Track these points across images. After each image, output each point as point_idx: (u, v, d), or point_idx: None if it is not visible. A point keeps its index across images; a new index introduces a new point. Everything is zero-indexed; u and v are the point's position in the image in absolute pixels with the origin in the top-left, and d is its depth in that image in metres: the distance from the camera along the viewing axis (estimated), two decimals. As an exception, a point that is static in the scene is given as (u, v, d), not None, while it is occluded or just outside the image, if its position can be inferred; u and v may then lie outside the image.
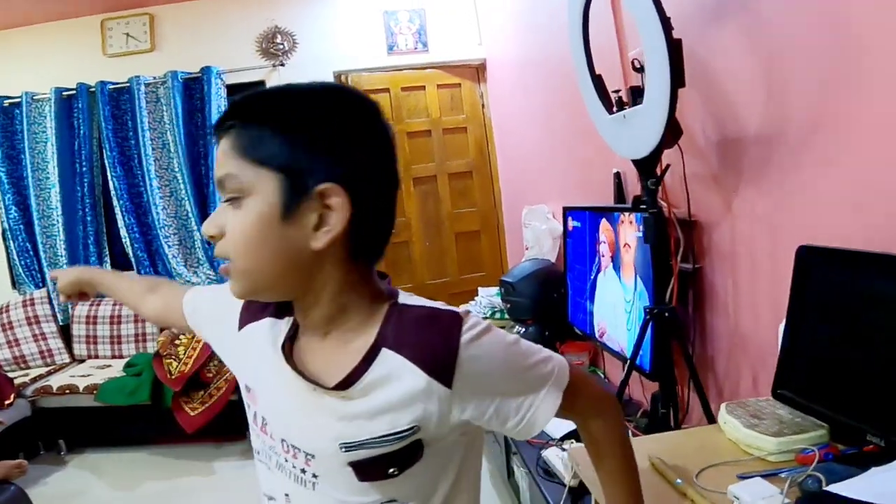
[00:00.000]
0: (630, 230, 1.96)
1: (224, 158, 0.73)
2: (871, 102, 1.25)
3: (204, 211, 4.09)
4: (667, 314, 1.70)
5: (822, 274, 1.25)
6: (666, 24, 1.33)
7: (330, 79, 4.13)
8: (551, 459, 1.91)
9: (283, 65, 4.09)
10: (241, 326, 0.89)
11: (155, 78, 4.04)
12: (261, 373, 0.85)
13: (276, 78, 4.11)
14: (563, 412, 0.83)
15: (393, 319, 0.76)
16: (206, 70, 3.99)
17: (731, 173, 1.70)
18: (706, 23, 1.68)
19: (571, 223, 2.57)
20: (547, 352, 0.83)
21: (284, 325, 0.84)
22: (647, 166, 1.59)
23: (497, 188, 4.51)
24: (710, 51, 1.68)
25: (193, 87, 4.07)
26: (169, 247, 4.08)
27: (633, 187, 2.26)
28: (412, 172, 4.31)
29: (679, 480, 1.15)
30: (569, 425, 2.05)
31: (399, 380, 0.74)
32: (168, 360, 3.29)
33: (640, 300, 1.90)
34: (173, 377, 3.17)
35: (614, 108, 1.76)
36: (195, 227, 4.08)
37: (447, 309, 0.77)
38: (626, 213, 1.98)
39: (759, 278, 1.66)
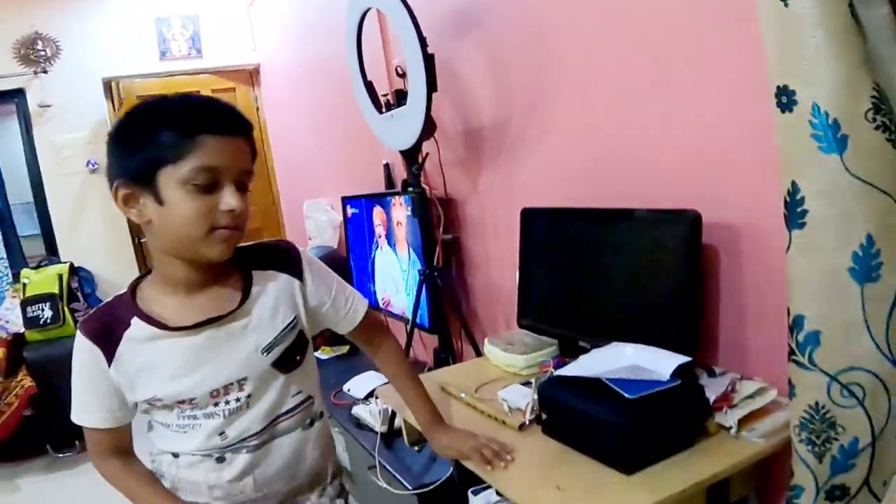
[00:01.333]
0: (401, 210, 2.36)
1: (248, 157, 1.01)
2: (561, 99, 1.75)
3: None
4: (436, 274, 2.11)
5: (538, 227, 1.71)
6: (422, 42, 1.73)
7: (98, 86, 4.07)
8: (361, 414, 2.24)
9: (45, 72, 3.93)
10: (109, 361, 1.02)
11: None
12: (152, 370, 1.03)
13: (37, 85, 3.93)
14: (362, 327, 1.24)
15: (244, 255, 1.10)
16: (-45, 76, 3.73)
17: (475, 158, 2.16)
18: (453, 37, 2.11)
19: (350, 210, 2.92)
20: None
21: (137, 323, 1.02)
22: (411, 156, 1.99)
23: (275, 186, 4.74)
24: (456, 60, 2.12)
25: (-61, 95, 3.78)
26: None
27: (401, 174, 2.66)
28: (193, 176, 4.36)
29: (463, 394, 1.52)
30: (369, 385, 2.41)
31: (273, 283, 1.11)
32: (-54, 381, 3.09)
33: (414, 267, 2.30)
34: (-46, 398, 2.99)
35: (383, 109, 2.13)
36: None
37: (277, 238, 1.18)
38: (397, 196, 2.38)
39: (500, 240, 2.13)
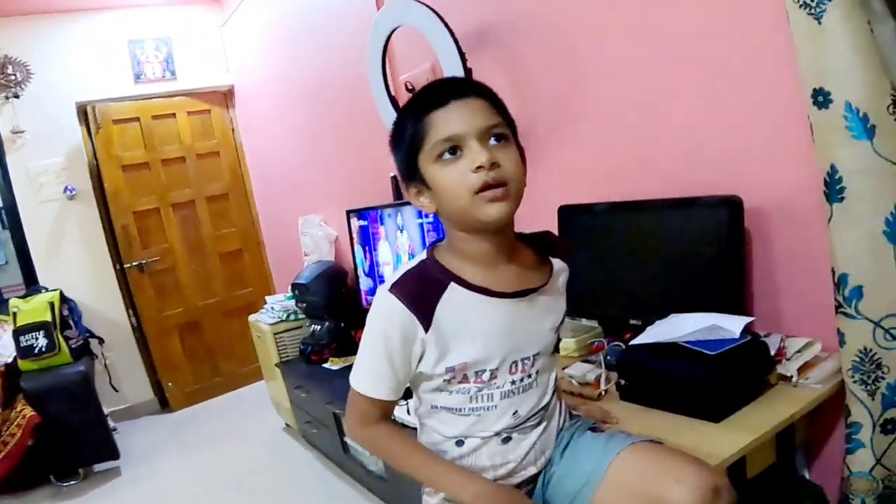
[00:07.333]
0: (411, 219, 2.54)
1: (486, 112, 1.02)
2: (589, 108, 1.92)
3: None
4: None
5: (577, 222, 1.86)
6: (462, 56, 1.89)
7: (72, 110, 4.04)
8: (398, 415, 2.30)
9: (17, 97, 3.87)
10: (427, 326, 1.03)
11: None
12: (467, 334, 1.05)
13: (9, 110, 3.87)
14: None
15: (531, 240, 1.15)
16: (-75, 105, 3.65)
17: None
18: (475, 53, 2.25)
19: (357, 223, 3.03)
20: None
21: (456, 288, 1.04)
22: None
23: (254, 207, 4.75)
24: (478, 74, 2.27)
25: None
26: None
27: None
28: (170, 199, 4.35)
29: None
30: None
31: (560, 268, 1.16)
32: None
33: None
34: (-45, 432, 2.93)
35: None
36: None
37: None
38: (408, 206, 2.52)
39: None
